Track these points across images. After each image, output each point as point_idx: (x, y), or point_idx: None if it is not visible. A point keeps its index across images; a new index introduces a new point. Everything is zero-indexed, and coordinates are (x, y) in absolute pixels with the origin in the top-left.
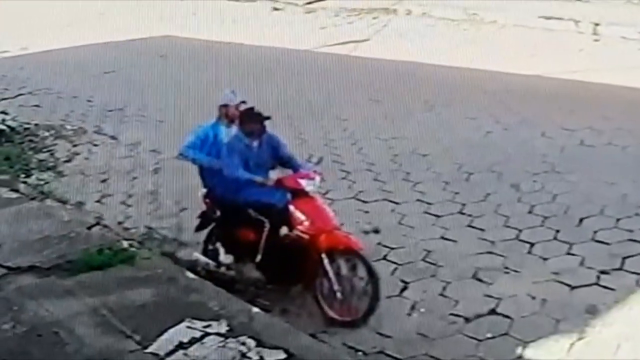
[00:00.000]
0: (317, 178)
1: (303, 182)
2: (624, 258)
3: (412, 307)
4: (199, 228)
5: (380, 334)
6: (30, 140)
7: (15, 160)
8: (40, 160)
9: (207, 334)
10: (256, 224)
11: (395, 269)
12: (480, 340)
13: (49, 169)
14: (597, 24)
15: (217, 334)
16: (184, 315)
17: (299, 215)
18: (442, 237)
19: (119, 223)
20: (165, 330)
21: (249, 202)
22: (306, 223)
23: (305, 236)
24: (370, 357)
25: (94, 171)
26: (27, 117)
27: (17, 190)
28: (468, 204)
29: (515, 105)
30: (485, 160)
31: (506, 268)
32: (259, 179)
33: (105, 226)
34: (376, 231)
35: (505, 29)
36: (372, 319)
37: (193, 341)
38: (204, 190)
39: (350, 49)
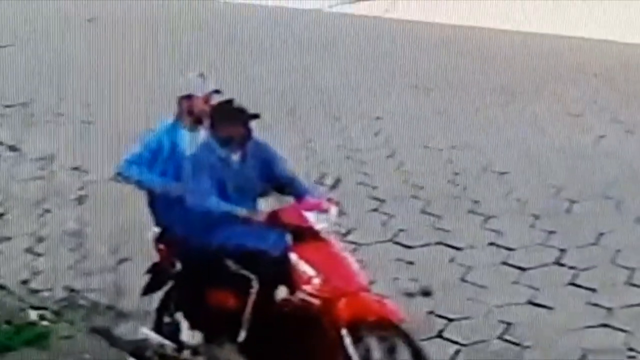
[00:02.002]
0: (333, 210)
1: (311, 217)
2: None
3: None
4: (148, 290)
5: None
6: None
7: None
8: None
9: None
10: (238, 282)
11: (457, 352)
12: None
13: None
14: None
15: None
16: None
17: (306, 268)
18: (530, 302)
19: (23, 282)
20: None
21: (227, 249)
22: (316, 281)
23: (316, 301)
24: None
25: None
26: None
27: None
28: (570, 250)
29: None
30: (596, 181)
31: (631, 350)
32: (241, 211)
33: (1, 287)
34: (426, 293)
35: None
36: None
37: None
38: (157, 231)
39: (383, 9)
